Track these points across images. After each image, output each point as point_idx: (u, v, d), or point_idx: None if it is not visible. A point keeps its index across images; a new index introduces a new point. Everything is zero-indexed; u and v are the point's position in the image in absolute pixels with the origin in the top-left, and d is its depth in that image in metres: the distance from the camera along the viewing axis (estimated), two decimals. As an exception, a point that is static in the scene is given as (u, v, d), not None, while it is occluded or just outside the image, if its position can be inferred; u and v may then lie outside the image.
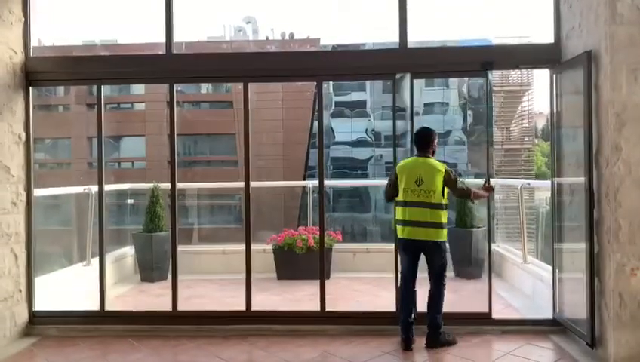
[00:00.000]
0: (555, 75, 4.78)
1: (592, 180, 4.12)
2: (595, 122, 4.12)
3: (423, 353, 4.35)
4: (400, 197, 4.49)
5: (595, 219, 4.12)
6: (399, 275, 4.62)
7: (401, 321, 4.45)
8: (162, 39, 5.02)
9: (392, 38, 4.96)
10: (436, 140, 4.57)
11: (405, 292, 4.50)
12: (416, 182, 4.38)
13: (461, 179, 4.57)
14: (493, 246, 7.43)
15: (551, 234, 4.86)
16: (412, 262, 4.50)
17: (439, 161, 4.52)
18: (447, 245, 4.60)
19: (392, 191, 4.58)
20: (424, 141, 4.53)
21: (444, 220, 4.40)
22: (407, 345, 4.39)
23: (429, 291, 4.46)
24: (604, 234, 4.04)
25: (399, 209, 4.49)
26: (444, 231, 4.42)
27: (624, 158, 3.91)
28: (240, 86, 5.05)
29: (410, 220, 4.42)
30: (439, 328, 4.41)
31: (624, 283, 3.92)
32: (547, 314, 4.86)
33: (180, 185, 5.21)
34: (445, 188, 4.40)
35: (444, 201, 4.40)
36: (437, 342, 4.40)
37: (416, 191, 4.38)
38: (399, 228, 4.50)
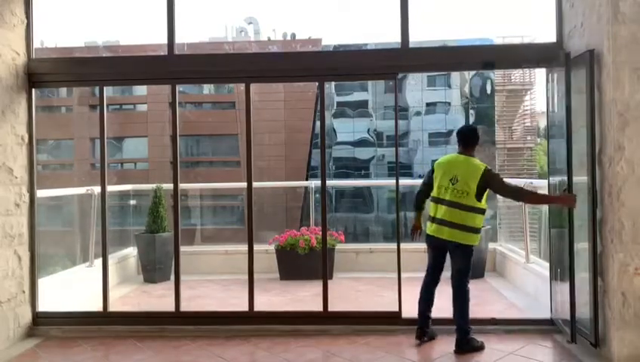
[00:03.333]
0: (556, 75, 4.76)
1: (595, 180, 4.11)
2: (597, 121, 4.11)
3: (430, 352, 4.35)
4: (434, 194, 4.42)
5: (598, 218, 4.11)
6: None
7: (420, 313, 4.52)
8: (164, 40, 5.02)
9: (393, 37, 4.95)
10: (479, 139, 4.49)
11: (424, 287, 4.53)
12: (451, 180, 4.29)
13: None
14: (495, 245, 7.47)
15: (554, 233, 4.83)
16: (435, 258, 4.49)
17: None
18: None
19: (425, 189, 4.52)
20: (468, 139, 4.42)
21: (475, 223, 4.26)
22: (418, 334, 4.48)
23: (452, 295, 4.38)
24: (607, 234, 4.03)
25: (432, 205, 4.44)
26: (474, 236, 4.28)
27: (627, 158, 3.90)
28: (242, 86, 5.06)
29: (438, 218, 4.36)
30: (466, 333, 4.28)
31: (627, 283, 3.91)
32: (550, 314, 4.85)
33: (182, 186, 5.22)
34: (485, 191, 4.25)
35: (479, 205, 4.25)
36: (464, 347, 4.26)
37: (450, 190, 4.28)
38: (428, 223, 4.47)
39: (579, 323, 4.30)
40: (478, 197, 4.24)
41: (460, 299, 4.32)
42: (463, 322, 4.29)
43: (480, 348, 4.31)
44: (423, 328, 4.50)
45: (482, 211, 4.29)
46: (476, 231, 4.29)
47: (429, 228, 4.46)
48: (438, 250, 4.47)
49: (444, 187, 4.34)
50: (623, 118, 3.91)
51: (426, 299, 4.52)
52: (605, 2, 3.95)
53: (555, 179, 4.74)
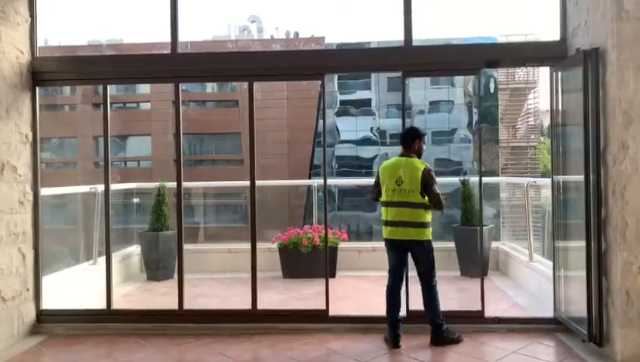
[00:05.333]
0: (560, 73, 4.75)
1: (600, 178, 4.09)
2: (601, 120, 4.10)
3: (429, 351, 4.35)
4: (383, 198, 4.55)
5: (602, 217, 4.10)
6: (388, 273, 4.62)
7: (390, 317, 4.50)
8: (167, 39, 5.04)
9: (396, 36, 4.94)
10: (420, 140, 4.56)
11: (391, 290, 4.54)
12: (396, 181, 4.43)
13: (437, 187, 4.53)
14: (499, 244, 7.46)
15: (555, 232, 4.82)
16: (396, 260, 4.55)
17: (422, 160, 4.53)
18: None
19: (375, 191, 4.67)
20: (406, 140, 4.56)
21: (425, 219, 4.41)
22: (395, 342, 4.43)
23: (422, 292, 4.49)
24: (611, 232, 4.02)
25: (383, 209, 4.56)
26: (427, 231, 4.43)
27: (631, 156, 3.88)
28: (245, 85, 5.07)
29: (391, 220, 4.48)
30: (441, 327, 4.43)
31: (631, 281, 3.90)
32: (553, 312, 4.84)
33: (185, 184, 5.23)
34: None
35: (425, 201, 4.37)
36: (441, 340, 4.42)
37: (397, 191, 4.42)
38: (383, 228, 4.58)
39: (580, 322, 4.29)
40: (423, 194, 4.37)
41: (429, 295, 4.44)
42: (437, 316, 4.42)
43: (457, 340, 4.43)
44: (398, 334, 4.46)
45: (428, 207, 4.40)
46: (428, 225, 4.44)
47: (384, 231, 4.55)
48: (396, 251, 4.54)
49: (390, 190, 4.46)
50: (627, 116, 3.89)
51: (394, 303, 4.53)
52: (609, 0, 3.93)
53: (557, 177, 4.74)
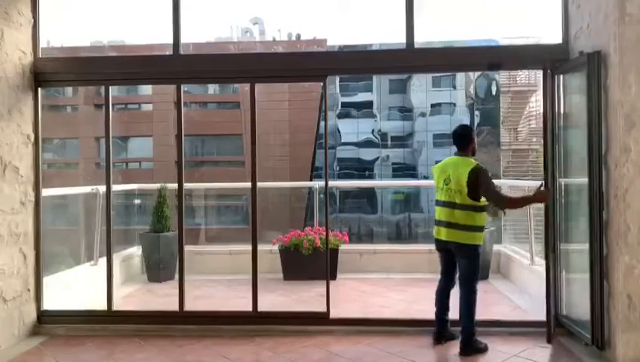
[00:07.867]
0: (561, 76, 4.74)
1: (601, 182, 4.09)
2: (603, 123, 4.09)
3: (427, 354, 4.34)
4: (435, 197, 4.48)
5: (604, 220, 4.09)
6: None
7: (435, 315, 4.52)
8: (170, 40, 5.04)
9: (399, 38, 4.95)
10: (474, 138, 4.40)
11: (437, 291, 4.53)
12: (445, 181, 4.32)
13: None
14: (500, 247, 7.45)
15: (554, 234, 4.80)
16: (444, 261, 4.50)
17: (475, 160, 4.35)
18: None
19: None
20: (460, 139, 4.39)
21: (473, 222, 4.21)
22: (436, 338, 4.48)
23: (459, 296, 4.36)
24: (612, 236, 4.01)
25: (435, 208, 4.48)
26: (474, 234, 4.23)
27: (633, 160, 3.88)
28: (247, 87, 5.07)
29: (438, 220, 4.41)
30: (471, 335, 4.28)
31: (633, 285, 3.89)
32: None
33: (187, 186, 5.23)
34: (478, 188, 4.17)
35: (475, 203, 4.20)
36: (467, 349, 4.27)
37: (444, 191, 4.32)
38: (434, 227, 4.50)
39: (583, 326, 4.29)
40: (473, 195, 4.19)
41: (466, 302, 4.29)
42: (467, 324, 4.28)
43: (483, 350, 4.31)
44: (440, 331, 4.50)
45: (480, 209, 4.24)
46: (476, 229, 4.24)
47: (434, 231, 4.47)
48: (444, 252, 4.47)
49: (439, 188, 4.39)
50: (629, 120, 3.89)
51: (440, 303, 4.52)
52: (612, 3, 3.93)
53: (561, 181, 4.73)
